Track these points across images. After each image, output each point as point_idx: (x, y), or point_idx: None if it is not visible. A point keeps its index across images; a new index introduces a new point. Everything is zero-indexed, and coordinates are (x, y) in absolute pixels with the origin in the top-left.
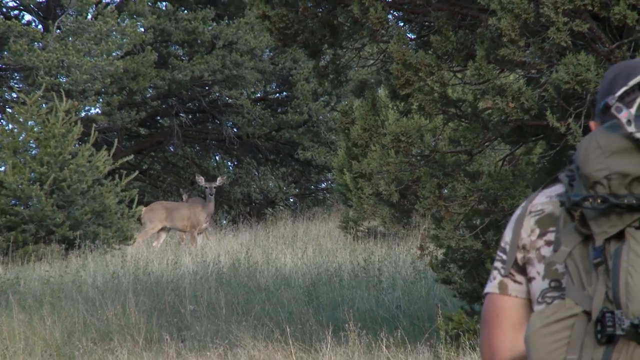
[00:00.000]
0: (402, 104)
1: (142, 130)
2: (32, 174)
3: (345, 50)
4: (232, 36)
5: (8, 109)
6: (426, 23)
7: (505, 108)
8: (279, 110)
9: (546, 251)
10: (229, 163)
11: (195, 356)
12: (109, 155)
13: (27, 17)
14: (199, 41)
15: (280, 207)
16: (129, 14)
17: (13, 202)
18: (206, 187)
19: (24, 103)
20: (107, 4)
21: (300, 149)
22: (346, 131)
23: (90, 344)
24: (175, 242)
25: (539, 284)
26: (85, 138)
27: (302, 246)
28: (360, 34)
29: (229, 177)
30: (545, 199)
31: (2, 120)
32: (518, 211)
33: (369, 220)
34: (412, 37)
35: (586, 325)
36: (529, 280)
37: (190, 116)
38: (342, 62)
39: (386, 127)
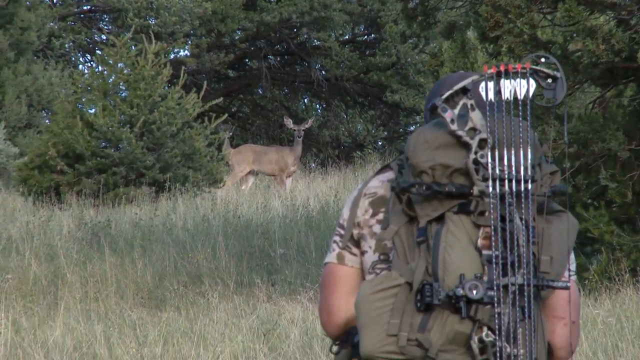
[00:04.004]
0: (492, 46)
1: (231, 73)
2: (122, 116)
3: None
4: None
5: (98, 51)
6: None
7: (596, 50)
8: (367, 52)
9: (377, 228)
10: (317, 106)
11: (286, 300)
12: (198, 98)
13: None
14: None
15: (369, 150)
16: None
17: (103, 144)
18: (294, 130)
19: (113, 45)
20: None
21: (389, 91)
22: (435, 73)
23: (182, 287)
24: (265, 185)
25: (370, 257)
26: (175, 80)
27: None
28: None
29: (317, 120)
30: (378, 183)
31: (92, 62)
32: (354, 193)
33: None
34: None
35: (408, 294)
36: (362, 253)
37: (278, 58)
38: (430, 3)
39: (475, 69)
